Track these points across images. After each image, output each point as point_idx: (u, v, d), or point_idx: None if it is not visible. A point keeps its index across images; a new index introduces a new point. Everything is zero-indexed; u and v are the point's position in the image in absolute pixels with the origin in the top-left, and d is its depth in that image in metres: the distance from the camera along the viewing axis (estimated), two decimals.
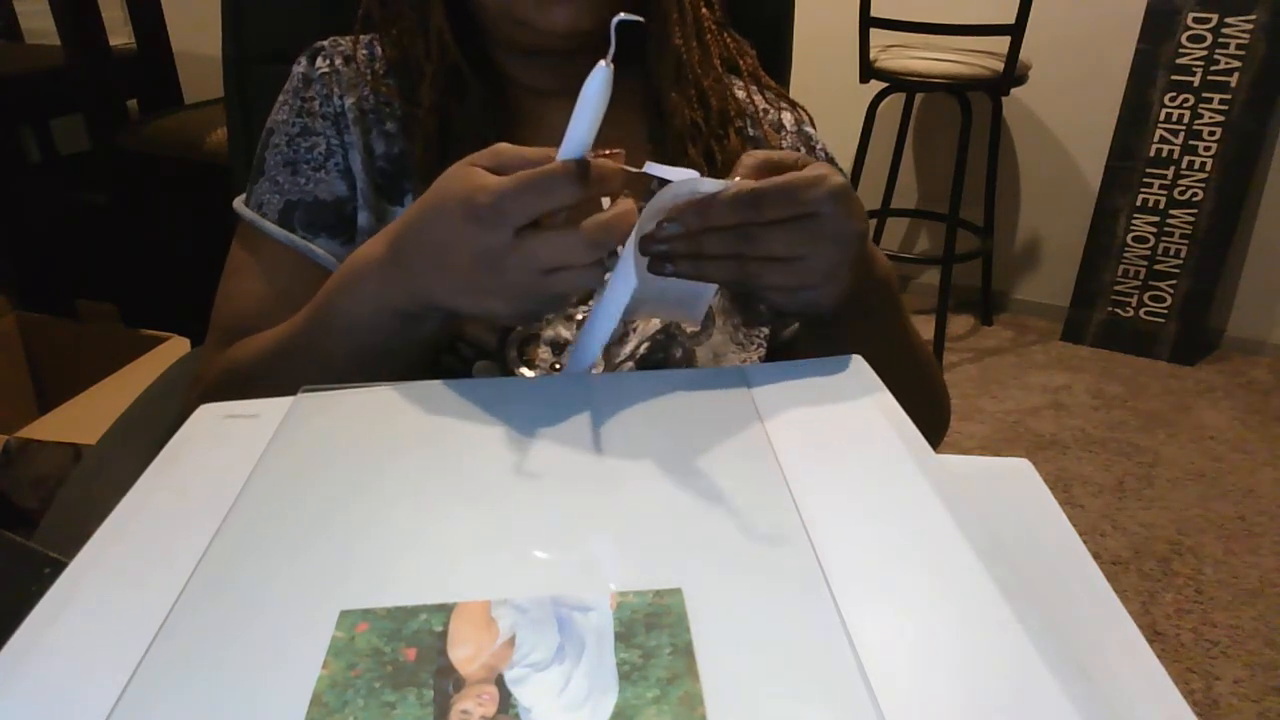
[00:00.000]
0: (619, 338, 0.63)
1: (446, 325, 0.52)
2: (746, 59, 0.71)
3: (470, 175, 0.45)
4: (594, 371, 0.60)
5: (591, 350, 0.49)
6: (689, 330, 0.64)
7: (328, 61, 0.66)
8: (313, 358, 0.54)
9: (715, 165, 0.65)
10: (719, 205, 0.45)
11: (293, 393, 0.46)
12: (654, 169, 0.45)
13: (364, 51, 0.67)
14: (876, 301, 0.56)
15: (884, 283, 0.56)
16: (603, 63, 0.42)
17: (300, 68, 0.66)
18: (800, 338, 0.70)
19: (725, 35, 0.70)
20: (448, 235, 0.45)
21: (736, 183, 0.45)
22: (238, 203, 0.67)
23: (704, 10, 0.68)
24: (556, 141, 0.44)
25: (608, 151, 0.45)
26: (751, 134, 0.70)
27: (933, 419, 0.66)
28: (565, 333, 0.62)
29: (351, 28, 0.68)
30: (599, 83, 0.42)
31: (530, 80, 0.67)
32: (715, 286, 0.51)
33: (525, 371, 0.61)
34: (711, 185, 0.45)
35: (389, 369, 0.52)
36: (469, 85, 0.63)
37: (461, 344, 0.61)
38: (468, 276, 0.46)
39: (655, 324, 0.63)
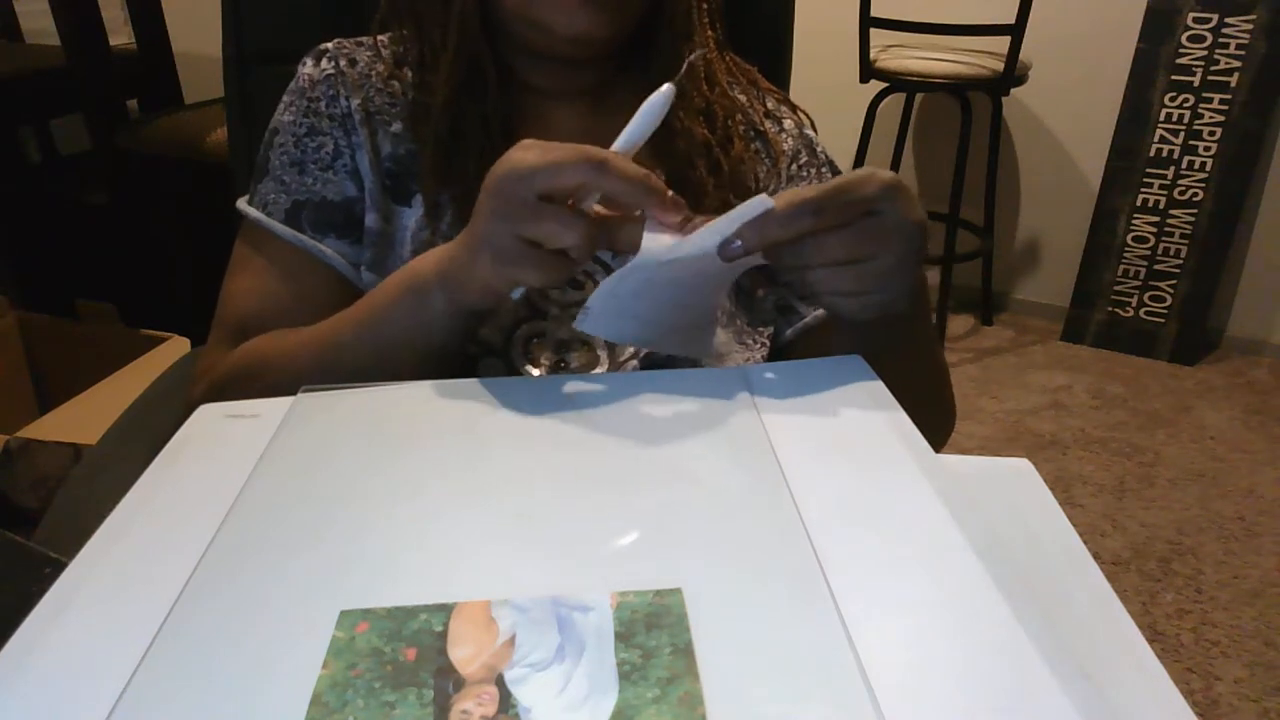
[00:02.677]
0: None
1: (452, 311, 0.52)
2: (746, 74, 0.72)
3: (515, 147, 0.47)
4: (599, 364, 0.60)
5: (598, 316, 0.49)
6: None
7: (333, 63, 0.66)
8: (352, 361, 0.55)
9: (722, 176, 0.66)
10: (776, 219, 0.44)
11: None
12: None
13: (368, 53, 0.67)
14: (913, 310, 0.55)
15: (918, 292, 0.56)
16: (668, 85, 0.46)
17: (306, 69, 0.67)
18: (833, 337, 0.70)
19: (727, 56, 0.71)
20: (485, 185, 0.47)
21: (790, 193, 0.44)
22: (241, 202, 0.67)
23: (709, 32, 0.68)
24: (559, 141, 0.45)
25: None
26: (754, 138, 0.70)
27: (939, 424, 0.66)
28: (571, 331, 0.63)
29: (351, 27, 0.69)
30: (660, 101, 0.46)
31: (540, 82, 0.67)
32: (717, 317, 0.51)
33: (531, 370, 0.61)
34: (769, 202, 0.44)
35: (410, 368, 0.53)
36: (486, 76, 0.64)
37: (468, 342, 0.61)
38: (480, 215, 0.47)
39: None
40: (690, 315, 0.52)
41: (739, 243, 0.44)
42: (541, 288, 0.50)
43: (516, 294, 0.49)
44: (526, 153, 0.45)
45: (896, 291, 0.48)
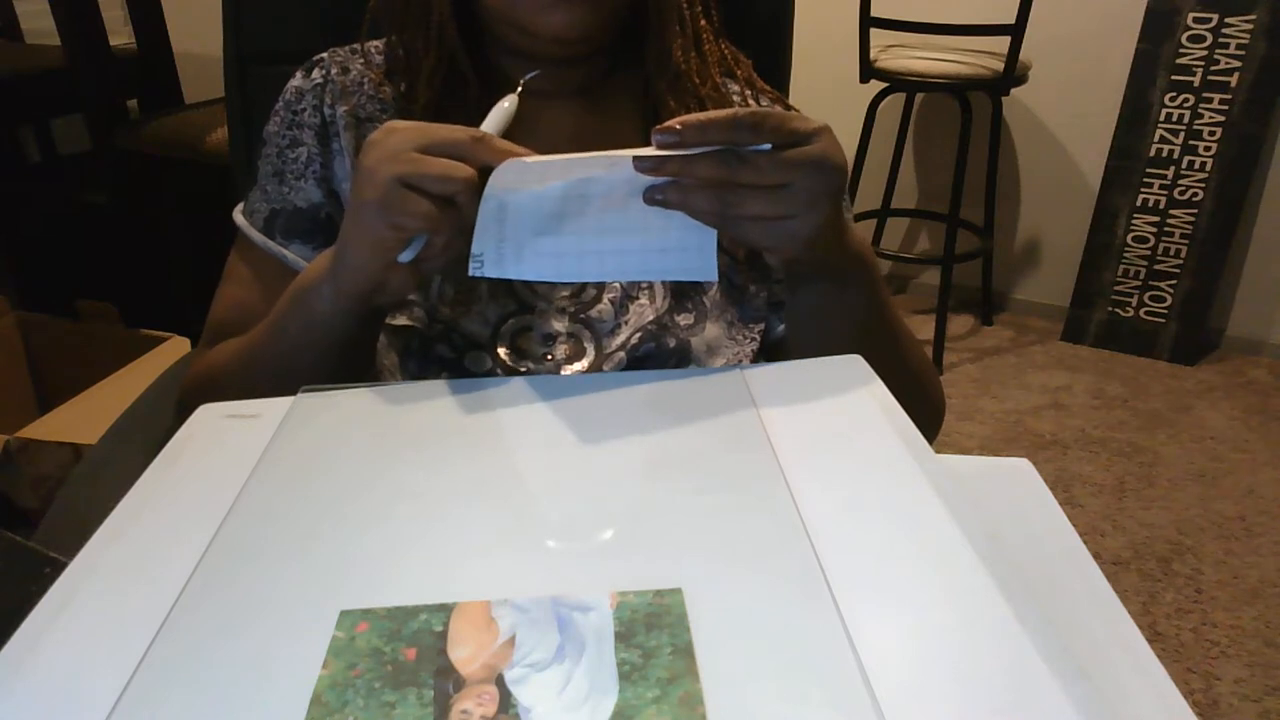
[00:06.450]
0: (610, 329, 0.63)
1: (352, 310, 0.52)
2: (743, 67, 0.72)
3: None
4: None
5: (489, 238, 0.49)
6: (707, 288, 0.64)
7: (323, 73, 0.67)
8: (269, 365, 0.57)
9: None
10: (715, 124, 0.45)
11: (263, 395, 0.47)
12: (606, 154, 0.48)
13: (361, 61, 0.68)
14: (854, 272, 0.56)
15: (860, 255, 0.57)
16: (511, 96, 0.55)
17: (295, 81, 0.68)
18: (785, 306, 0.70)
19: (722, 44, 0.71)
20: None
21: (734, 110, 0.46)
22: (235, 212, 0.69)
23: (703, 21, 0.68)
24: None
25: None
26: None
27: (924, 408, 0.66)
28: (558, 325, 0.63)
29: (351, 28, 0.69)
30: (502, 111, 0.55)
31: (531, 82, 0.67)
32: (715, 232, 0.50)
33: (517, 363, 0.62)
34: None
35: (325, 369, 0.53)
36: (467, 80, 0.64)
37: (454, 334, 0.61)
38: (362, 170, 0.48)
39: (648, 315, 0.63)
40: (623, 236, 0.51)
41: (671, 136, 0.45)
42: (432, 249, 0.49)
43: (405, 256, 0.48)
44: (403, 122, 0.48)
45: (808, 223, 0.48)
